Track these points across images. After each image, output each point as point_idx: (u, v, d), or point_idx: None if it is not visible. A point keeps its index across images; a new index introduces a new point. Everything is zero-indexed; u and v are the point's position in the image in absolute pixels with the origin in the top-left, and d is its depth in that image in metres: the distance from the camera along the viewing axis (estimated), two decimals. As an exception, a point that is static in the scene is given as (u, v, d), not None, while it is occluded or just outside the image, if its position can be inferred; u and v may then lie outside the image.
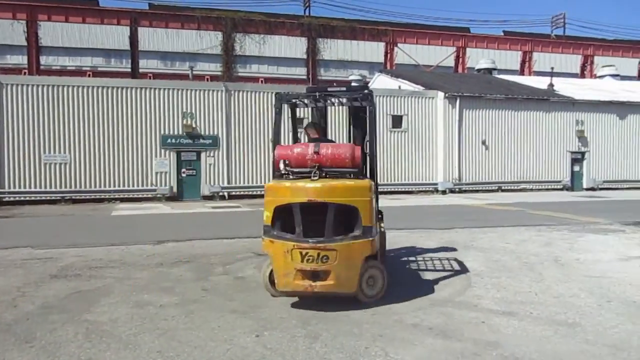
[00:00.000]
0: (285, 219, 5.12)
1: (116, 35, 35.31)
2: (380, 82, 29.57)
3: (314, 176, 5.14)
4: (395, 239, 9.76)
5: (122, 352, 4.08)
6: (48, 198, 19.64)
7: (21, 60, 33.47)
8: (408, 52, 38.99)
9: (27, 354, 4.05)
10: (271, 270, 5.30)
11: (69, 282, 6.50)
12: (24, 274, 6.94)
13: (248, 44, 36.61)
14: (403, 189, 23.47)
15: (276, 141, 5.78)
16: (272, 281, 5.32)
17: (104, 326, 4.71)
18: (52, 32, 34.18)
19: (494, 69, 34.27)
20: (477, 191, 24.09)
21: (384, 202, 20.44)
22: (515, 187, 24.99)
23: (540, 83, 29.01)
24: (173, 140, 21.30)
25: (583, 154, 26.45)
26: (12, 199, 19.36)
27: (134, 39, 34.82)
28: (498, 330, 4.52)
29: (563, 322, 4.73)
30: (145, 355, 4.02)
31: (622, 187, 26.41)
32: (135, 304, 5.43)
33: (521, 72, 40.75)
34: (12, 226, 13.33)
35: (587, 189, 25.91)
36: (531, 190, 24.97)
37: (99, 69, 34.16)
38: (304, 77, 37.86)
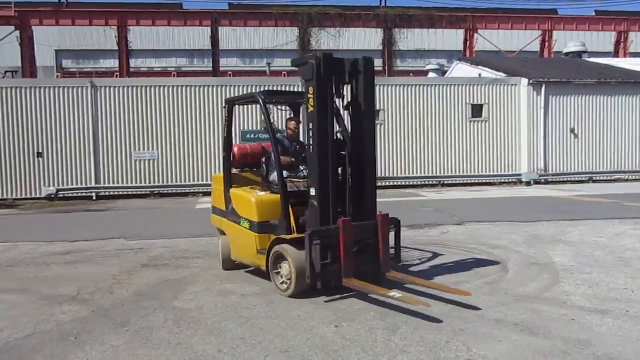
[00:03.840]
0: None
1: (198, 36, 36.88)
2: (459, 70, 28.62)
3: None
4: (477, 232, 9.47)
5: (208, 338, 4.27)
6: (139, 193, 20.87)
7: (113, 63, 35.75)
8: (489, 39, 37.36)
9: (123, 337, 4.36)
10: None
11: (159, 271, 6.89)
12: (118, 264, 7.44)
13: (324, 38, 36.76)
14: (484, 181, 22.65)
15: None
16: None
17: (191, 313, 4.96)
18: (140, 36, 36.30)
19: (584, 52, 32.02)
20: (565, 182, 22.73)
21: (465, 193, 19.66)
22: (609, 178, 23.27)
23: (638, 66, 26.77)
24: (252, 136, 21.85)
25: (690, 141, 24.08)
26: (107, 193, 20.78)
27: (214, 39, 36.10)
28: (590, 329, 4.25)
29: (665, 323, 4.36)
30: (230, 341, 4.18)
31: None
32: (219, 293, 5.67)
33: (615, 55, 37.75)
34: (108, 219, 14.30)
35: (695, 179, 23.62)
36: (627, 180, 23.18)
37: (183, 69, 35.90)
38: (380, 68, 37.46)
